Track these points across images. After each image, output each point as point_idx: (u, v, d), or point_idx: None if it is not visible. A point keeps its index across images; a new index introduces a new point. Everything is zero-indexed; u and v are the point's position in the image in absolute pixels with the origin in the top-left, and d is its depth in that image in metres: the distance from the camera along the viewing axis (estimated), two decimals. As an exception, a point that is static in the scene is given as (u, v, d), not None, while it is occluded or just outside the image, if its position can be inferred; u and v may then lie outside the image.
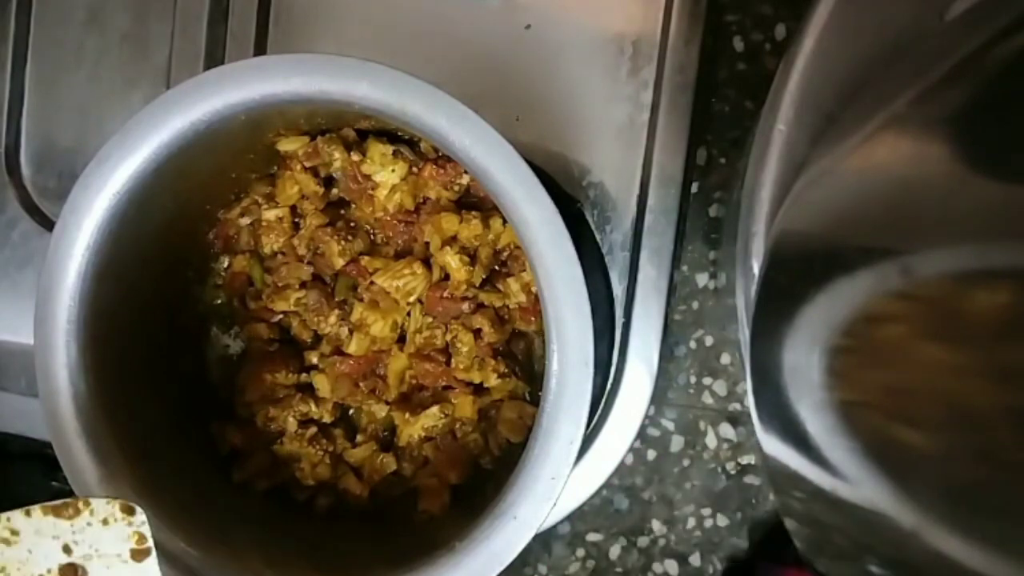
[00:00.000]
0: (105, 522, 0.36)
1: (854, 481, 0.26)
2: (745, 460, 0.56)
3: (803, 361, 0.29)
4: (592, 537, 0.57)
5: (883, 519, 0.24)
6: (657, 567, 0.57)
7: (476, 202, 0.48)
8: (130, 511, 0.36)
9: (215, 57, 0.55)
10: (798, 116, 0.33)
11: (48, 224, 0.55)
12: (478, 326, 0.46)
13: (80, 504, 0.36)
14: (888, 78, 0.31)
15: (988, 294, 0.22)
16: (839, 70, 0.32)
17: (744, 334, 0.34)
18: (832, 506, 0.28)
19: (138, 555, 0.37)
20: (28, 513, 0.36)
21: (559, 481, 0.39)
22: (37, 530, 0.36)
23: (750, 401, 0.32)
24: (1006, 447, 0.20)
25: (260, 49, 0.55)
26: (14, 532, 0.36)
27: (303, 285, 0.47)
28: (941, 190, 0.25)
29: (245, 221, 0.48)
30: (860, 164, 0.29)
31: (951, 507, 0.22)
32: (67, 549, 0.36)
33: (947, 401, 0.23)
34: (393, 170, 0.46)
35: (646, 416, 0.55)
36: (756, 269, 0.34)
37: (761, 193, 0.33)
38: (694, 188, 0.55)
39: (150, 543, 0.36)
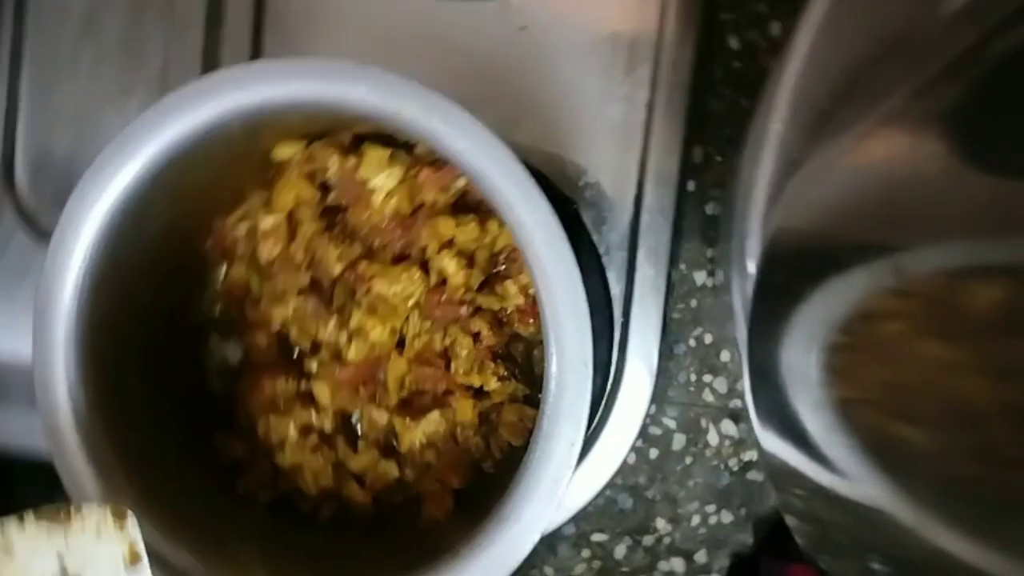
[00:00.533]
0: (97, 527, 0.36)
1: (853, 478, 0.26)
2: (747, 456, 0.56)
3: (801, 359, 0.29)
4: (597, 537, 0.57)
5: (883, 516, 0.24)
6: (663, 565, 0.57)
7: (473, 205, 0.48)
8: (121, 515, 0.36)
9: (211, 62, 0.55)
10: (793, 114, 0.33)
11: (45, 236, 0.55)
12: (477, 330, 0.46)
13: (72, 509, 0.36)
14: (883, 75, 0.31)
15: (985, 290, 0.22)
16: (834, 68, 0.32)
17: (741, 333, 0.34)
18: (832, 503, 0.28)
19: (131, 558, 0.36)
20: (21, 519, 0.36)
21: (561, 484, 0.39)
22: (30, 537, 0.36)
23: (748, 400, 0.32)
24: (1004, 444, 0.20)
25: (256, 54, 0.55)
26: (6, 540, 0.36)
27: (301, 292, 0.47)
28: (938, 186, 0.25)
29: (242, 229, 0.48)
30: (856, 161, 0.29)
31: (950, 504, 0.22)
32: (60, 557, 0.36)
33: (945, 398, 0.23)
34: (389, 175, 0.46)
35: (647, 415, 0.55)
36: (752, 268, 0.34)
37: (755, 192, 0.33)
38: (691, 186, 0.55)
39: (142, 548, 0.36)
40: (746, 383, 0.32)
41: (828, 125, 0.30)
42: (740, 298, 0.35)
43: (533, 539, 0.39)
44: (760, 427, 0.31)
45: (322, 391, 0.47)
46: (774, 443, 0.30)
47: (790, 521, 0.32)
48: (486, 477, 0.48)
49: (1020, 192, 0.21)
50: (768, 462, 0.31)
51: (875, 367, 0.26)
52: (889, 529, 0.24)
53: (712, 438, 0.56)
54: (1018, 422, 0.20)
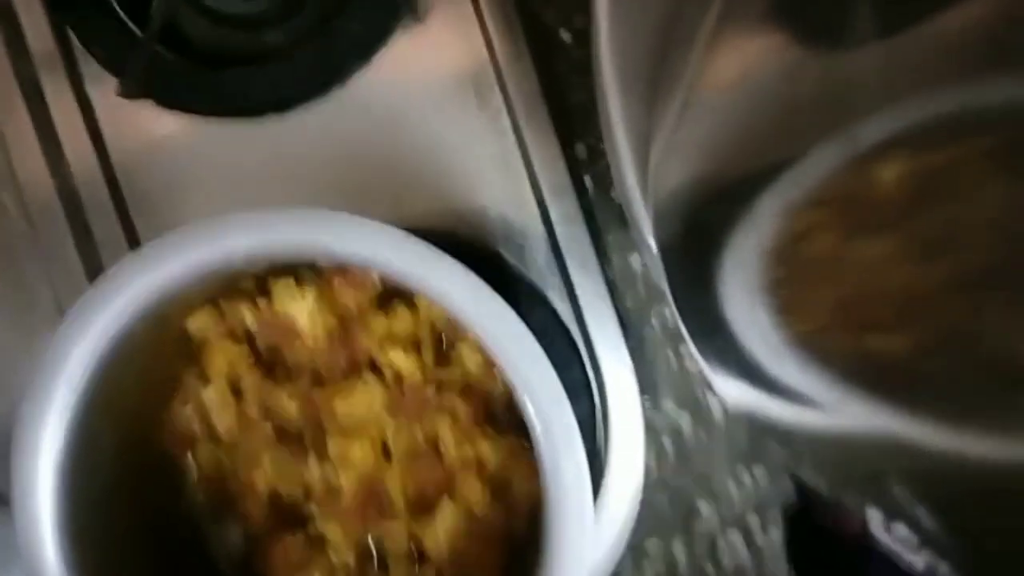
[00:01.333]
0: None
1: (840, 410, 0.25)
2: (754, 406, 0.55)
3: (744, 310, 0.28)
4: (651, 546, 0.56)
5: (884, 438, 0.23)
6: (722, 544, 0.56)
7: (397, 290, 0.47)
8: None
9: (94, 268, 0.54)
10: (625, 100, 0.33)
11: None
12: (450, 406, 0.46)
13: None
14: (688, 14, 0.31)
15: (884, 171, 0.22)
16: (642, 37, 0.32)
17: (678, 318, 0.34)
18: (829, 442, 0.27)
19: None
20: None
21: (587, 522, 0.38)
22: None
23: (708, 376, 0.32)
24: (958, 320, 0.20)
25: (134, 244, 0.55)
26: None
27: (270, 446, 0.46)
28: (784, 85, 0.25)
29: (189, 411, 0.47)
30: (700, 111, 0.29)
31: (941, 403, 0.21)
32: None
33: (895, 294, 0.23)
34: (304, 298, 0.45)
35: (644, 409, 0.55)
36: (656, 250, 0.34)
37: (628, 181, 0.33)
38: (588, 182, 0.55)
39: None
40: (700, 362, 0.32)
41: (663, 83, 0.30)
42: (660, 279, 0.35)
43: (585, 583, 0.39)
44: (729, 396, 0.31)
45: (332, 530, 0.46)
46: (754, 403, 0.30)
47: (806, 476, 0.32)
48: (521, 537, 0.47)
49: (856, 64, 0.21)
50: (755, 426, 0.31)
51: (821, 288, 0.26)
52: (893, 449, 0.23)
53: (714, 404, 0.56)
54: (961, 294, 0.19)
